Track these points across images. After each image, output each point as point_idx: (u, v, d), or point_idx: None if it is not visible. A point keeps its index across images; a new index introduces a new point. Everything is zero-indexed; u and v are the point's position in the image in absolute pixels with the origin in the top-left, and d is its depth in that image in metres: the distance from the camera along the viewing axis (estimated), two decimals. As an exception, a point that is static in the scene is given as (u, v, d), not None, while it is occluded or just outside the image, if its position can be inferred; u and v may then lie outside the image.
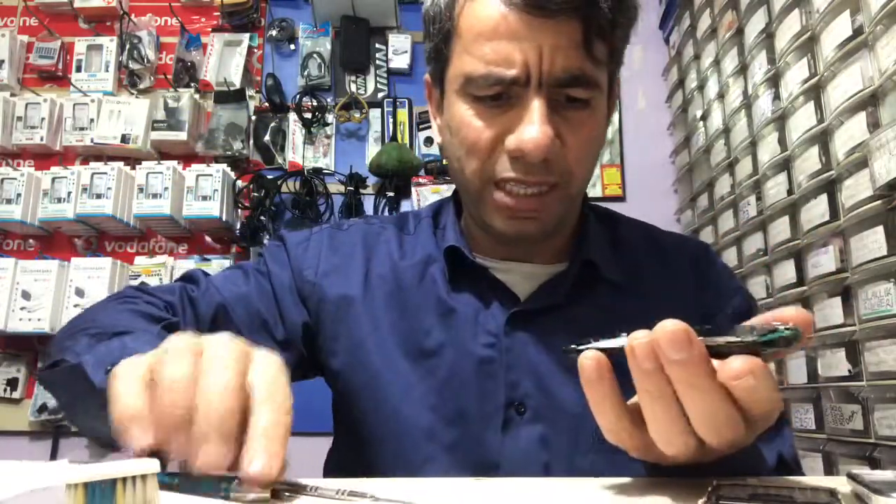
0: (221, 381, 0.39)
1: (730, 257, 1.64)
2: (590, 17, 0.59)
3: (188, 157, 2.10)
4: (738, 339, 0.37)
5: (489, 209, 0.65)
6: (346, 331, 0.72)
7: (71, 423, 0.71)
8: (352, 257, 0.76)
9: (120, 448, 0.42)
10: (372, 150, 2.17)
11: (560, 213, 0.67)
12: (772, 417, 0.40)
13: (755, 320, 0.39)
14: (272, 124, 2.14)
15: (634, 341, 0.38)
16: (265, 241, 2.03)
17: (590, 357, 0.40)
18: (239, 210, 2.07)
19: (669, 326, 0.36)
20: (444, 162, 2.09)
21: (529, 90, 0.60)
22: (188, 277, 0.77)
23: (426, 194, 2.11)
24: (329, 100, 2.19)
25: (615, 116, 2.24)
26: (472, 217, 0.72)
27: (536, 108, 0.59)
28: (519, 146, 0.60)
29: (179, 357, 0.40)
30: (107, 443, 0.46)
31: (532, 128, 0.59)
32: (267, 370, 0.41)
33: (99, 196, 1.94)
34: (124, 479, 0.36)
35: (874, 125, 1.03)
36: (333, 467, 0.77)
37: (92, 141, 2.06)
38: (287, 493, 0.41)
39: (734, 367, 0.36)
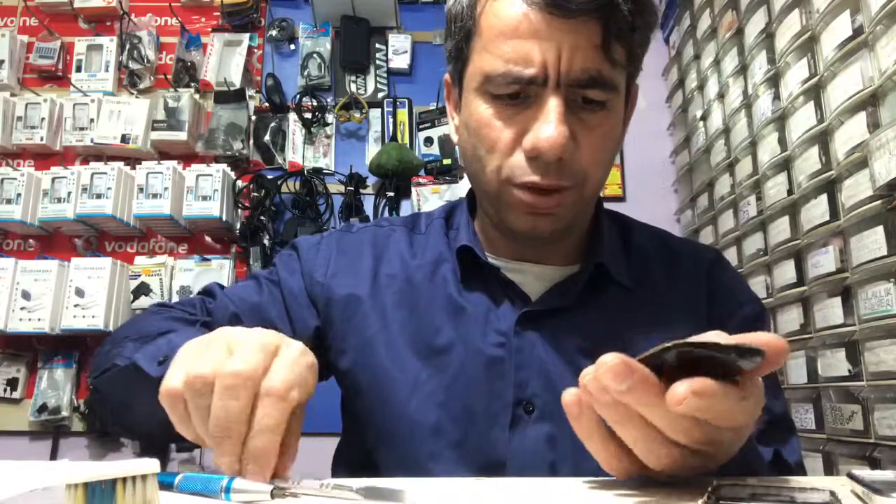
0: (233, 388, 0.43)
1: (730, 257, 1.64)
2: (609, 19, 0.59)
3: (188, 157, 2.10)
4: (665, 346, 0.37)
5: (507, 206, 0.66)
6: (355, 329, 0.72)
7: (122, 428, 0.74)
8: (360, 258, 0.76)
9: (171, 448, 0.48)
10: (372, 150, 2.17)
11: (574, 214, 0.67)
12: (751, 422, 0.41)
13: (733, 338, 0.39)
14: (272, 124, 2.14)
15: (585, 379, 0.39)
16: (265, 241, 2.03)
17: (571, 394, 0.41)
18: (239, 210, 2.07)
19: (608, 360, 0.37)
20: (446, 161, 2.09)
21: (547, 90, 0.60)
22: (206, 291, 0.80)
23: (426, 194, 2.11)
24: (329, 100, 2.19)
25: (615, 116, 2.24)
26: (487, 215, 0.73)
27: (553, 107, 0.60)
28: (535, 145, 0.60)
29: (206, 359, 0.45)
30: (160, 443, 0.50)
31: (548, 127, 0.59)
32: (284, 366, 0.45)
33: (99, 196, 1.94)
34: (124, 479, 0.36)
35: (874, 125, 1.03)
36: (341, 465, 0.78)
37: (92, 141, 2.05)
38: (287, 493, 0.41)
39: (675, 394, 0.36)
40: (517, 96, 0.62)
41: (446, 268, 0.74)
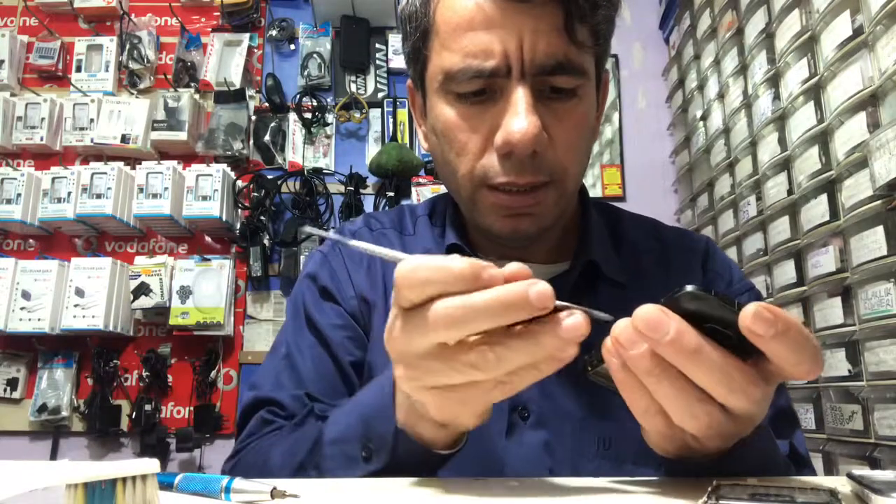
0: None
1: (730, 257, 1.64)
2: None
3: (188, 157, 2.10)
4: (680, 291, 0.37)
5: (483, 210, 0.63)
6: (368, 333, 0.71)
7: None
8: (372, 262, 0.74)
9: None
10: (372, 150, 2.17)
11: (556, 212, 0.65)
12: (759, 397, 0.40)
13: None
14: (272, 124, 2.15)
15: (617, 330, 0.38)
16: (265, 241, 2.02)
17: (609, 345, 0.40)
18: (239, 210, 2.07)
19: (643, 312, 0.37)
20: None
21: (512, 81, 0.57)
22: (275, 403, 0.70)
23: (426, 194, 2.11)
24: (329, 100, 2.19)
25: (615, 116, 2.24)
26: (466, 219, 0.71)
27: (521, 97, 0.56)
28: (506, 139, 0.57)
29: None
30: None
31: (518, 119, 0.56)
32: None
33: (99, 196, 1.94)
34: (124, 479, 0.36)
35: (874, 125, 1.03)
36: None
37: (92, 141, 2.06)
38: (287, 493, 0.41)
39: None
40: (482, 93, 0.59)
41: None
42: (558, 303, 0.38)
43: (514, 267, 0.39)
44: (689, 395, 0.38)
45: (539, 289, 0.37)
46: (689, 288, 0.36)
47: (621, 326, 0.38)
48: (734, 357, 0.37)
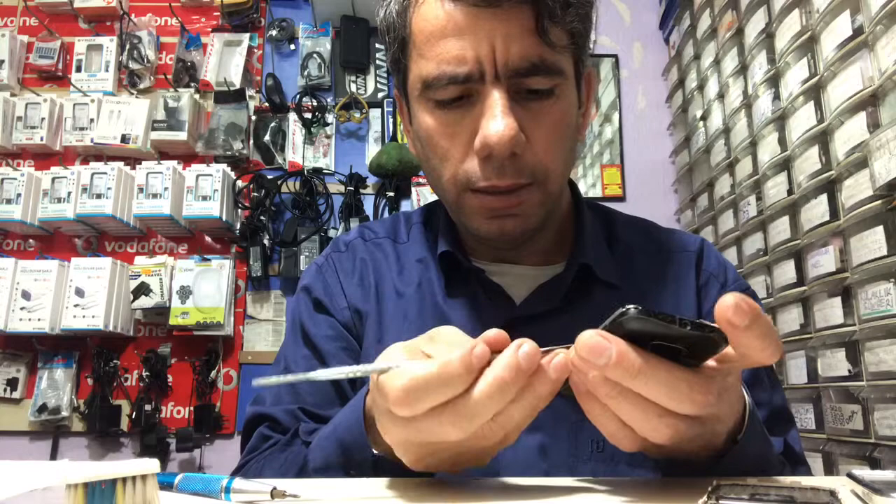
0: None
1: (730, 257, 1.65)
2: (538, 0, 0.57)
3: (188, 157, 2.10)
4: (622, 312, 0.37)
5: (468, 213, 0.64)
6: (361, 343, 0.72)
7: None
8: (365, 273, 0.75)
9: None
10: (372, 150, 2.17)
11: (541, 213, 0.65)
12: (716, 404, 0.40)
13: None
14: (272, 124, 2.15)
15: (571, 356, 0.39)
16: (265, 241, 2.02)
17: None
18: (239, 210, 2.07)
19: (584, 338, 0.38)
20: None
21: (487, 85, 0.58)
22: (265, 416, 0.71)
23: (426, 194, 2.11)
24: (329, 100, 2.19)
25: (615, 116, 2.24)
26: (455, 222, 0.72)
27: (496, 100, 0.57)
28: (484, 142, 0.58)
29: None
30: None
31: (494, 122, 0.57)
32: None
33: (99, 196, 1.94)
34: (124, 479, 0.36)
35: (874, 125, 1.03)
36: None
37: (92, 141, 2.06)
38: (287, 493, 0.41)
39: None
40: (460, 99, 0.60)
41: (432, 274, 0.72)
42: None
43: (491, 334, 0.41)
44: (647, 412, 0.39)
45: (525, 351, 0.39)
46: (629, 310, 0.37)
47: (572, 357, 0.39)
48: (680, 368, 0.38)
